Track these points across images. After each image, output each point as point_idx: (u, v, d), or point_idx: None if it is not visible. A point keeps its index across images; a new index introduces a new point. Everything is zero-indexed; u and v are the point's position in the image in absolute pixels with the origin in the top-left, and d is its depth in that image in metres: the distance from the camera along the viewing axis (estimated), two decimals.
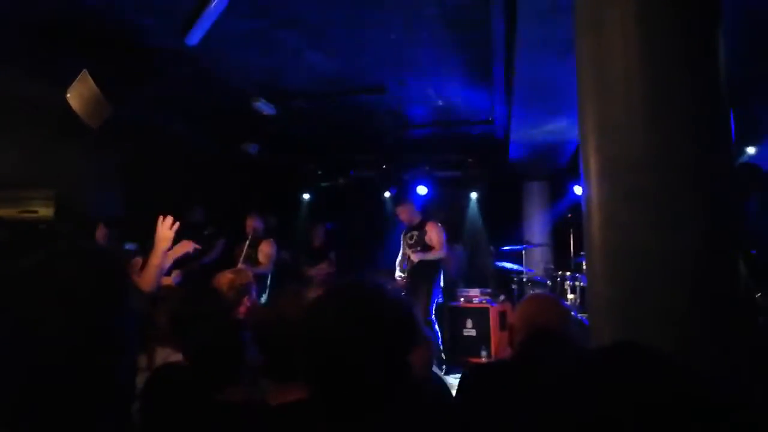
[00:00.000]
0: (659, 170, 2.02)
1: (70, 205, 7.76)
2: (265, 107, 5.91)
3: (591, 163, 2.25)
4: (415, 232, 6.26)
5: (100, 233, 6.50)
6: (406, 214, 6.34)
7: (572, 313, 2.25)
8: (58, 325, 0.82)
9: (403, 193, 7.02)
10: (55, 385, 0.82)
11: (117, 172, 7.58)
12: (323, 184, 8.36)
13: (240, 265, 5.61)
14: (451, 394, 1.97)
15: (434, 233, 6.18)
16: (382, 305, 1.14)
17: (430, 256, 6.04)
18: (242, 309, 2.77)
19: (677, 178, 2.01)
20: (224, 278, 2.87)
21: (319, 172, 8.32)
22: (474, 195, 8.21)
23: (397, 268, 6.29)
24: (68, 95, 4.82)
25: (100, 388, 0.86)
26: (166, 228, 2.72)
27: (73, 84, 4.67)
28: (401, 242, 6.40)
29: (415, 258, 6.01)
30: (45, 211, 8.63)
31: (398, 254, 6.41)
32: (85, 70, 4.49)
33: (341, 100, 5.98)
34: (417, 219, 6.32)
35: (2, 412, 0.85)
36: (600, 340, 2.33)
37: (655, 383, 0.58)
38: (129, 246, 7.32)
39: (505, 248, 6.75)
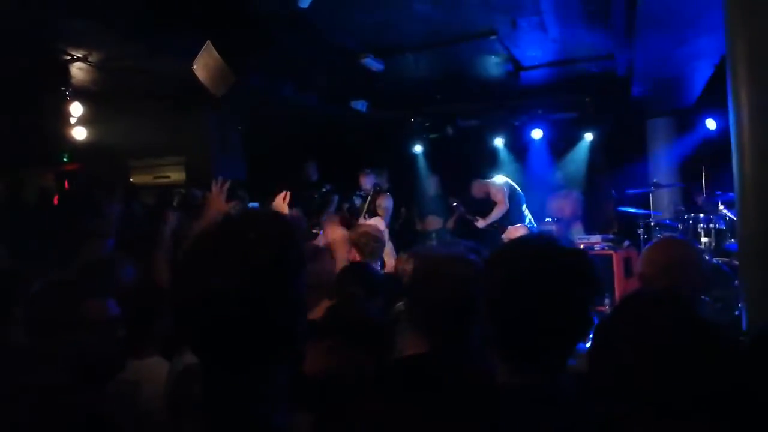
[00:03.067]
0: None
1: (199, 169, 8.36)
2: (373, 63, 5.94)
3: (742, 95, 2.06)
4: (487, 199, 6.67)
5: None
6: (476, 189, 6.76)
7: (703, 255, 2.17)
8: (245, 282, 0.88)
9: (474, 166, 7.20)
10: (239, 341, 0.88)
11: (238, 137, 8.02)
12: (432, 136, 8.31)
13: (361, 220, 5.81)
14: None
15: (493, 192, 6.55)
16: (567, 258, 1.19)
17: (492, 217, 6.41)
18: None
19: None
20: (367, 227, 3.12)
21: (427, 124, 8.27)
22: (592, 136, 7.74)
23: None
24: (194, 66, 5.11)
25: (278, 343, 0.92)
26: (280, 203, 2.95)
27: (199, 55, 4.94)
28: None
29: (480, 224, 6.43)
30: (177, 176, 9.38)
31: None
32: (208, 41, 4.73)
33: (450, 48, 5.86)
34: (485, 189, 6.68)
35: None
36: (751, 284, 2.18)
37: None
38: (252, 205, 7.79)
39: (629, 191, 6.39)
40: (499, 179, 6.79)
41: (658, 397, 0.97)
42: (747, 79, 2.04)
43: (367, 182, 6.48)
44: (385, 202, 6.25)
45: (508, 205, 6.48)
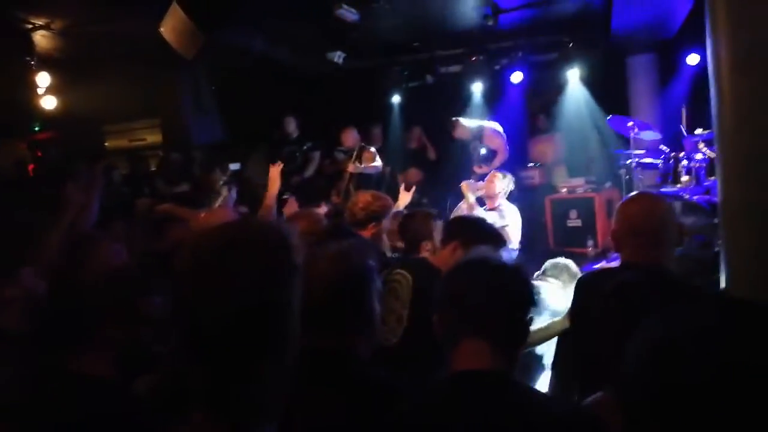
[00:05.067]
0: None
1: (175, 131, 8.21)
2: (348, 14, 5.76)
3: (722, 54, 2.05)
4: (476, 143, 6.35)
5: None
6: (460, 130, 6.39)
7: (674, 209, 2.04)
8: (243, 288, 0.92)
9: (453, 113, 6.84)
10: (238, 343, 0.92)
11: (213, 96, 7.83)
12: (411, 85, 8.17)
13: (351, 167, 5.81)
14: None
15: (494, 139, 6.23)
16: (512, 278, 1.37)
17: (494, 165, 6.06)
18: (367, 233, 2.88)
19: None
20: (363, 198, 2.97)
21: (406, 73, 8.11)
22: (573, 76, 7.62)
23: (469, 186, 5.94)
24: (161, 29, 4.94)
25: (273, 345, 0.96)
26: (276, 172, 3.05)
27: (165, 17, 4.76)
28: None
29: (480, 171, 6.06)
30: (153, 138, 9.23)
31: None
32: (174, 2, 4.55)
33: None
34: (474, 129, 6.36)
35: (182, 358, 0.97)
36: (732, 242, 2.23)
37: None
38: (233, 166, 7.69)
39: (611, 124, 6.33)
40: (496, 124, 6.51)
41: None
42: (726, 43, 2.02)
43: (349, 138, 6.39)
44: (372, 158, 6.20)
45: (507, 154, 6.27)
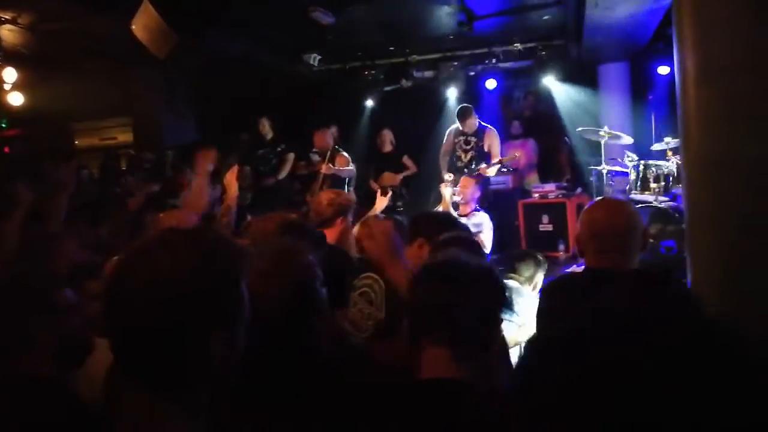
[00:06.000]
0: (763, 73, 1.86)
1: (147, 131, 8.09)
2: (323, 16, 5.75)
3: (688, 64, 2.09)
4: (473, 138, 6.30)
5: None
6: (471, 120, 6.31)
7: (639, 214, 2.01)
8: (167, 300, 0.90)
9: (467, 105, 6.72)
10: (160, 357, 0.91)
11: (187, 96, 7.73)
12: (386, 89, 8.19)
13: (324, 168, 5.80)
14: None
15: (495, 142, 6.25)
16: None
17: (495, 168, 6.15)
18: (335, 230, 2.83)
19: None
20: (326, 196, 2.95)
21: (381, 77, 8.13)
22: (545, 84, 7.77)
23: (445, 171, 6.09)
24: (133, 27, 4.86)
25: (199, 361, 0.93)
26: (232, 176, 3.02)
27: (136, 16, 4.69)
28: (450, 142, 6.44)
29: (488, 172, 6.12)
30: (124, 137, 9.08)
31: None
32: (146, 0, 4.48)
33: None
34: (476, 125, 6.34)
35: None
36: (696, 249, 2.28)
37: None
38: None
39: (583, 136, 6.45)
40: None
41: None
42: (693, 48, 2.06)
43: (320, 140, 6.35)
44: (344, 162, 6.17)
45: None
